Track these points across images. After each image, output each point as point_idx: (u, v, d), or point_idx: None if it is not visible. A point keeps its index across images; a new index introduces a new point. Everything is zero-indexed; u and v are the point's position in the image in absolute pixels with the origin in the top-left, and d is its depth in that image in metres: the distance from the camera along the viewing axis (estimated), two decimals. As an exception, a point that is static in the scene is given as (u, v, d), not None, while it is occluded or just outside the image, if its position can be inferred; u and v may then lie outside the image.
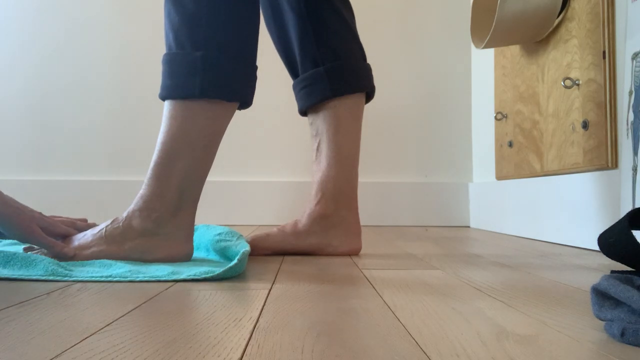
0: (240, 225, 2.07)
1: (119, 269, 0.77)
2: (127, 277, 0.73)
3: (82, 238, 0.88)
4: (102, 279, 0.73)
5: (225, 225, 1.28)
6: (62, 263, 0.80)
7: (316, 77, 1.09)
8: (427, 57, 2.19)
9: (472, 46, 2.16)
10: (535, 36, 1.41)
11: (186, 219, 0.90)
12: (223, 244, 0.93)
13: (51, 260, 0.77)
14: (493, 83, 1.85)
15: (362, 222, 2.05)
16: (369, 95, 1.14)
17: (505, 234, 1.68)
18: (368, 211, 2.09)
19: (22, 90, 2.13)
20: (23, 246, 0.95)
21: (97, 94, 2.15)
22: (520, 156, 1.59)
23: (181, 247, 0.89)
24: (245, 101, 0.94)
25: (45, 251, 0.85)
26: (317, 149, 1.11)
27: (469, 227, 2.09)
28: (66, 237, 0.90)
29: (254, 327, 0.47)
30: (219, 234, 0.99)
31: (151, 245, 0.87)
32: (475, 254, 1.12)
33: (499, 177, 1.76)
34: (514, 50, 1.64)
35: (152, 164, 0.90)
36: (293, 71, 1.16)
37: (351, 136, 1.10)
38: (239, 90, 0.93)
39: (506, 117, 1.69)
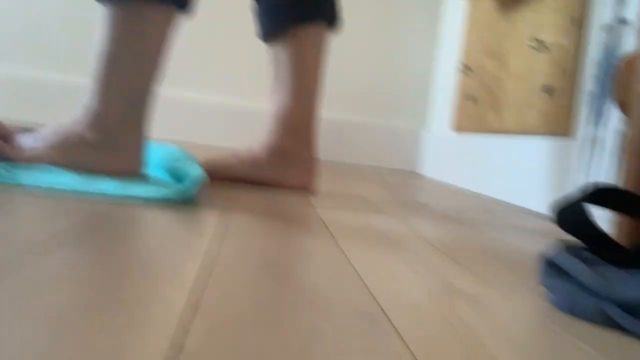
0: (188, 143, 2.03)
1: (65, 177, 0.74)
2: (73, 187, 0.71)
3: (23, 139, 0.84)
4: (48, 185, 0.70)
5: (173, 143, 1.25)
6: (1, 163, 0.76)
7: (278, 2, 1.05)
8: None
9: (448, -8, 2.13)
10: (514, -8, 1.40)
11: (136, 131, 0.87)
12: (176, 164, 0.91)
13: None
14: (461, 34, 1.83)
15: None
16: (334, 26, 1.10)
17: (452, 185, 1.72)
18: (322, 146, 2.08)
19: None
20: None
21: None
22: (479, 111, 1.60)
23: (130, 162, 0.87)
24: (182, 4, 0.88)
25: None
26: (276, 78, 1.08)
27: (415, 172, 2.12)
28: (5, 139, 0.85)
29: (206, 256, 0.46)
30: (172, 153, 0.96)
31: (98, 157, 0.84)
32: (424, 203, 1.13)
33: (456, 129, 1.78)
34: (489, 3, 1.62)
35: (95, 74, 0.85)
36: None
37: (313, 67, 1.07)
38: None
39: (471, 70, 1.69)
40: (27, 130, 0.91)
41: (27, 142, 0.83)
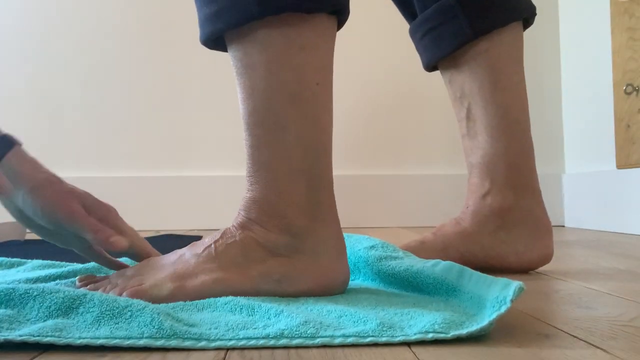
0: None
1: (285, 319, 0.42)
2: (303, 334, 0.39)
3: (178, 260, 0.53)
4: (264, 343, 0.38)
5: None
6: (164, 307, 0.45)
7: (445, 12, 0.74)
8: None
9: None
10: None
11: (330, 220, 0.56)
12: (393, 263, 0.59)
13: (154, 307, 0.42)
14: (610, 49, 1.51)
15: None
16: (530, 22, 0.78)
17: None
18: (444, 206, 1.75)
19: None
20: (68, 279, 0.61)
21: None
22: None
23: (334, 270, 0.55)
24: (339, 8, 0.56)
25: (113, 287, 0.51)
26: (467, 117, 0.76)
27: (563, 226, 1.75)
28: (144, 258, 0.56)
29: None
30: (372, 246, 0.65)
31: (292, 268, 0.53)
32: None
33: (622, 164, 1.43)
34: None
35: (248, 151, 0.55)
36: (408, 9, 0.80)
37: (516, 90, 0.75)
38: None
39: (638, 90, 1.36)
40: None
41: (182, 262, 0.52)
